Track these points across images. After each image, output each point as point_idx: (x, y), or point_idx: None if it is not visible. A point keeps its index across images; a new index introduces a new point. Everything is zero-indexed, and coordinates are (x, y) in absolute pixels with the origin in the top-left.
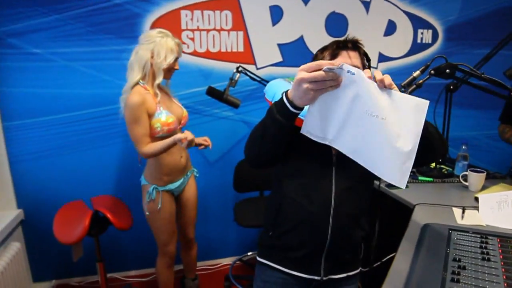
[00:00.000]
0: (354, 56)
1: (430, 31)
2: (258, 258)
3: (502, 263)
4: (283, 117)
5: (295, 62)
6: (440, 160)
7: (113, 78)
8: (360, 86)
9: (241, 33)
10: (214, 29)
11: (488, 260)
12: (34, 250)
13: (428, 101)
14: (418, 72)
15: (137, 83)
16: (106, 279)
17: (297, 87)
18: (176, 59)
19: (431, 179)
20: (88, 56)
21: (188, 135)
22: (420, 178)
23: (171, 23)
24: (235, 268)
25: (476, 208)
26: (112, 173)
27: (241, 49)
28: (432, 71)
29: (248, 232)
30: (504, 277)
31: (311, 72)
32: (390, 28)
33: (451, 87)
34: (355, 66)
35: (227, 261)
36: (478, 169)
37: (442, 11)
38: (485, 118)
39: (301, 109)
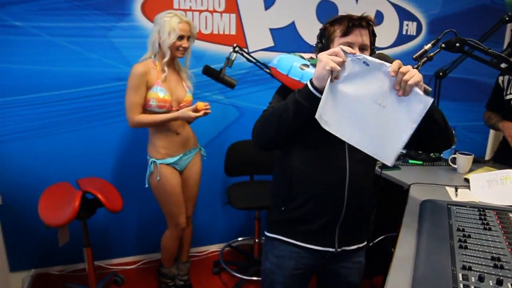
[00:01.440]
0: (365, 34)
1: (415, 23)
2: (268, 234)
3: (502, 231)
4: (304, 99)
5: (286, 48)
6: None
7: (101, 56)
8: (371, 75)
9: (233, 16)
10: (207, 10)
11: (490, 229)
12: (11, 237)
13: (432, 99)
14: (429, 45)
15: (148, 58)
16: (93, 265)
17: (321, 68)
18: (183, 37)
19: (421, 162)
20: (74, 32)
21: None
22: (410, 161)
23: (163, 2)
24: (223, 254)
25: (468, 187)
26: (98, 157)
27: (233, 32)
28: (443, 45)
29: (236, 218)
30: (507, 243)
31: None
32: (378, 19)
33: (441, 73)
34: (365, 45)
35: (215, 247)
36: (465, 153)
37: (425, 5)
38: (461, 110)
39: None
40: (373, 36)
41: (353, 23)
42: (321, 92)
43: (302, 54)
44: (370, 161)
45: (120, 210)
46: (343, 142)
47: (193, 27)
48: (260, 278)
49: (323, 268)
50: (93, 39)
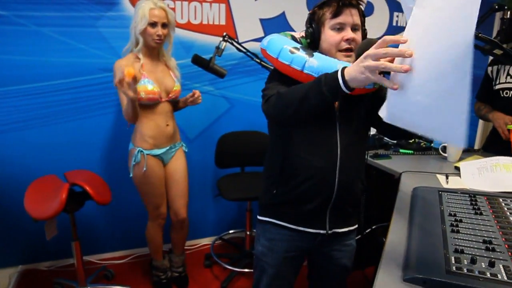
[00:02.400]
0: (355, 14)
1: (405, 14)
2: (260, 217)
3: (493, 216)
4: (331, 93)
5: None
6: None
7: (89, 46)
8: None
9: (223, 6)
10: (196, 0)
11: (481, 214)
12: None
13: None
14: None
15: (130, 51)
16: (82, 259)
17: (357, 67)
18: (155, 24)
19: (412, 151)
20: (61, 22)
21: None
22: (401, 150)
23: None
24: (215, 247)
25: (458, 175)
26: (86, 149)
27: (223, 22)
28: None
29: (227, 210)
30: (498, 227)
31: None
32: (368, 9)
33: None
34: (356, 25)
35: (206, 241)
36: None
37: None
38: None
39: (354, 89)
40: (363, 16)
41: (343, 3)
42: (351, 88)
43: (294, 33)
44: (360, 144)
45: (109, 203)
46: (334, 125)
47: (170, 14)
48: (252, 270)
49: (315, 251)
50: (81, 29)
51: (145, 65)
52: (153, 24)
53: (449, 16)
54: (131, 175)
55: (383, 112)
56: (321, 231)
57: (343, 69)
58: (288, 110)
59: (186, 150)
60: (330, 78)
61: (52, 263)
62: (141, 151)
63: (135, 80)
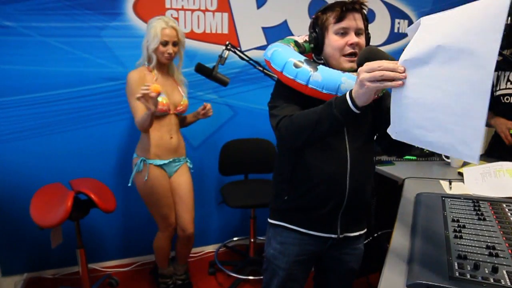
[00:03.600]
0: (358, 18)
1: (406, 21)
2: (271, 221)
3: (497, 221)
4: (343, 115)
5: None
6: None
7: (93, 56)
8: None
9: (226, 15)
10: (199, 9)
11: (484, 219)
12: (3, 240)
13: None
14: None
15: (143, 65)
16: (87, 267)
17: (358, 87)
18: (167, 43)
19: (415, 157)
20: (66, 32)
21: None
22: (404, 156)
23: (155, 1)
24: (219, 255)
25: (461, 180)
26: (91, 158)
27: (225, 31)
28: None
29: (231, 217)
30: (502, 232)
31: (371, 72)
32: (370, 16)
33: None
34: (360, 29)
35: (210, 248)
36: None
37: (416, 3)
38: None
39: (362, 109)
40: (366, 21)
41: (346, 7)
42: (360, 108)
43: (296, 38)
44: (369, 148)
45: (114, 210)
46: (343, 130)
47: (180, 33)
48: (256, 277)
49: (324, 255)
50: (85, 39)
51: (157, 78)
52: (164, 43)
53: (471, 33)
54: (129, 184)
55: (390, 129)
56: (333, 235)
57: (350, 90)
58: (302, 135)
59: (191, 166)
60: (339, 101)
61: (57, 271)
62: (144, 160)
63: (159, 95)
